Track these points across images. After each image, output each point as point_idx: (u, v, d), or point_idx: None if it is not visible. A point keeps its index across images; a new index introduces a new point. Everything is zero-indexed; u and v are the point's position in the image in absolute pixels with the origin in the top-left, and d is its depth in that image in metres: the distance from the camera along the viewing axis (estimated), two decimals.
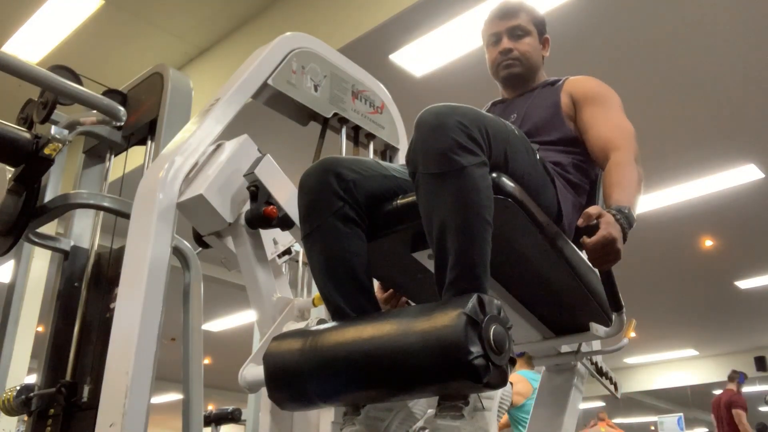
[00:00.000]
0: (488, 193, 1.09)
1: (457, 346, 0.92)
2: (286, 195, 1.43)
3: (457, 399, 1.01)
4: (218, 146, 1.48)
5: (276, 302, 1.39)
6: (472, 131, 1.09)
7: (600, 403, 14.09)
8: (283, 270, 1.56)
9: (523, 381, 3.60)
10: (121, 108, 2.08)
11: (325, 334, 1.09)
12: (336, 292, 1.19)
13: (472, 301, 0.96)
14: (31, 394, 1.96)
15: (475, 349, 0.92)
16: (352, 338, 1.05)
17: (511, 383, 3.45)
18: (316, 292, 1.29)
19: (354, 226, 1.22)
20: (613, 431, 6.46)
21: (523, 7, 1.67)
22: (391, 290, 1.53)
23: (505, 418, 3.70)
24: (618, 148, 1.40)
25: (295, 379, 1.08)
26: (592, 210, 1.14)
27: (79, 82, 2.08)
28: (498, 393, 1.02)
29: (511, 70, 1.65)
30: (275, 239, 1.54)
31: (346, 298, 1.18)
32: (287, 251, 1.56)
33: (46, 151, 1.90)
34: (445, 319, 0.95)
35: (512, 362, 0.99)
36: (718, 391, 13.45)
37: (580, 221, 1.15)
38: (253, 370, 1.23)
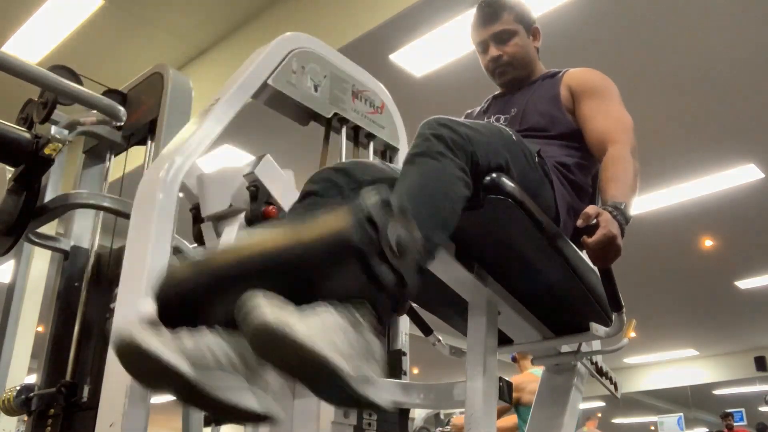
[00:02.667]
0: (455, 188, 1.04)
1: (347, 216, 0.82)
2: (286, 195, 1.43)
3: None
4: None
5: None
6: (464, 142, 1.08)
7: (600, 403, 14.12)
8: None
9: (536, 380, 3.58)
10: (121, 108, 2.07)
11: (217, 249, 0.99)
12: None
13: (391, 195, 0.87)
14: (31, 394, 1.96)
15: (368, 228, 0.81)
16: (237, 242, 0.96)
17: (509, 382, 3.44)
18: None
19: None
20: None
21: (505, 6, 1.64)
22: None
23: (513, 420, 3.68)
24: (615, 142, 1.40)
25: (182, 293, 0.92)
26: (591, 210, 1.14)
27: (79, 82, 2.08)
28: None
29: (506, 76, 1.65)
30: None
31: None
32: None
33: (46, 151, 1.90)
34: (337, 212, 0.84)
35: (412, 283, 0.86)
36: (718, 391, 13.52)
37: (579, 222, 1.15)
38: (142, 304, 1.00)
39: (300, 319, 0.78)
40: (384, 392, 0.86)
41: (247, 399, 0.88)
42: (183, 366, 0.83)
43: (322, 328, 0.79)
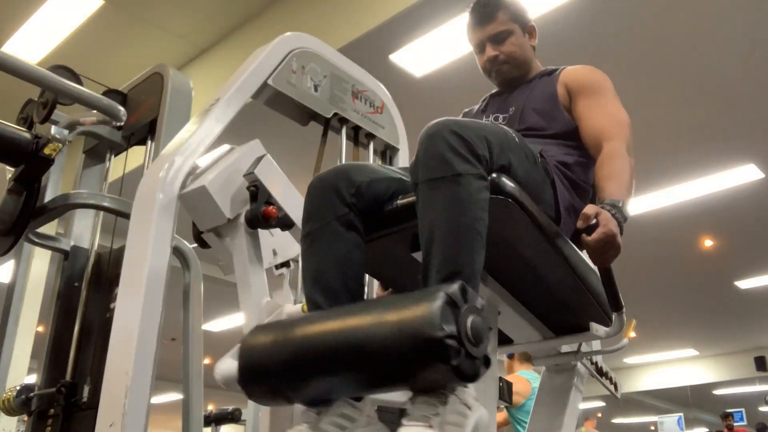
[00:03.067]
0: (482, 204, 1.08)
1: (430, 323, 0.87)
2: (286, 195, 1.43)
3: (433, 394, 0.94)
4: (231, 150, 1.49)
5: (265, 306, 1.37)
6: (473, 145, 1.09)
7: (600, 403, 14.12)
8: (284, 284, 1.55)
9: (523, 381, 3.60)
10: (121, 108, 2.08)
11: (298, 324, 1.05)
12: (322, 295, 1.15)
13: (456, 285, 0.93)
14: (31, 394, 1.96)
15: (449, 329, 0.87)
16: (323, 325, 1.01)
17: (509, 383, 3.45)
18: None
19: (356, 234, 1.21)
20: None
21: (499, 6, 1.64)
22: (390, 290, 1.53)
23: (504, 415, 3.70)
24: (610, 138, 1.40)
25: (266, 371, 1.03)
26: (589, 210, 1.15)
27: (79, 82, 2.08)
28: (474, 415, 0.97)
29: (504, 76, 1.66)
30: (275, 250, 1.53)
31: (331, 304, 1.15)
32: (286, 264, 1.55)
33: (46, 151, 1.91)
34: (423, 299, 0.91)
35: (486, 363, 0.95)
36: (718, 391, 13.52)
37: (579, 223, 1.15)
38: (229, 364, 1.17)
39: None
40: None
41: None
42: None
43: None
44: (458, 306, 0.90)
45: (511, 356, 3.84)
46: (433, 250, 1.04)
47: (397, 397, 1.37)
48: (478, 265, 1.05)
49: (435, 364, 0.88)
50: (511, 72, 1.65)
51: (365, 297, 1.25)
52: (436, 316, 0.87)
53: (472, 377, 0.90)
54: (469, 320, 0.91)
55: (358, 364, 0.94)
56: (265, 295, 1.40)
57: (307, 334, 1.01)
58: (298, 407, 1.07)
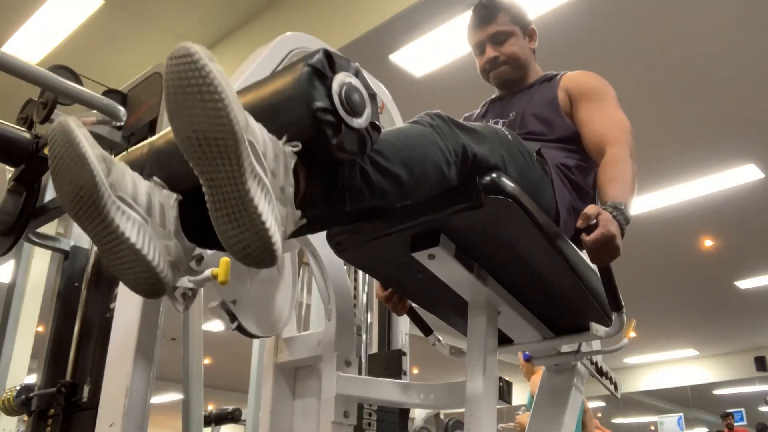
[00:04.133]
0: (437, 155, 1.04)
1: (299, 97, 0.81)
2: None
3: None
4: None
5: None
6: (458, 131, 1.10)
7: (600, 403, 14.11)
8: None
9: None
10: (121, 108, 2.07)
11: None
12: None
13: (318, 54, 0.86)
14: (31, 394, 1.96)
15: (320, 102, 0.81)
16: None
17: (509, 382, 3.44)
18: (315, 292, 1.28)
19: None
20: None
21: (500, 8, 1.65)
22: (390, 290, 1.53)
23: (526, 416, 3.69)
24: (613, 143, 1.40)
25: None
26: (590, 210, 1.15)
27: (79, 82, 2.08)
28: None
29: (502, 77, 1.66)
30: None
31: None
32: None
33: (46, 151, 1.90)
34: (285, 74, 0.85)
35: (375, 130, 0.89)
36: (718, 391, 13.52)
37: (579, 222, 1.15)
38: None
39: (229, 87, 0.79)
40: (275, 225, 0.83)
41: (143, 242, 0.86)
42: (96, 167, 0.84)
43: (247, 120, 0.79)
44: (325, 75, 0.84)
45: (528, 358, 3.82)
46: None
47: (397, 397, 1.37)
48: (407, 160, 1.01)
49: (296, 102, 0.82)
50: (509, 74, 1.65)
51: (364, 297, 1.25)
52: (303, 88, 0.81)
53: (359, 151, 0.85)
54: (342, 89, 0.84)
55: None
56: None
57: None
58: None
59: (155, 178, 0.93)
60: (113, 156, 0.92)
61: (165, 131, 1.00)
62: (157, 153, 0.98)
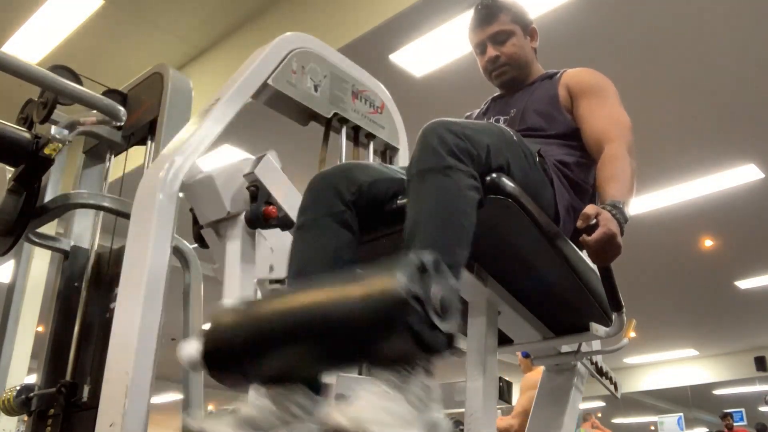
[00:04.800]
0: (471, 202, 1.06)
1: (394, 282, 0.83)
2: (287, 195, 1.43)
3: (394, 370, 0.89)
4: (246, 159, 1.50)
5: None
6: (467, 143, 1.09)
7: (600, 403, 14.11)
8: None
9: None
10: (121, 108, 2.07)
11: (264, 299, 1.00)
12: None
13: (429, 254, 0.88)
14: (31, 394, 1.96)
15: (414, 289, 0.83)
16: (289, 296, 0.96)
17: (509, 382, 3.44)
18: None
19: (348, 232, 1.19)
20: None
21: (501, 7, 1.65)
22: None
23: (501, 419, 3.69)
24: (612, 140, 1.40)
25: (227, 347, 0.97)
26: (590, 210, 1.15)
27: (79, 82, 2.08)
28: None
29: (503, 77, 1.66)
30: (272, 265, 1.53)
31: None
32: (281, 281, 1.54)
33: (46, 151, 1.90)
34: (393, 263, 0.86)
35: (450, 343, 0.90)
36: (718, 391, 13.51)
37: (579, 222, 1.15)
38: (193, 345, 1.04)
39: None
40: None
41: None
42: None
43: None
44: (427, 271, 0.87)
45: (527, 355, 3.81)
46: (414, 237, 1.02)
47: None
48: (460, 257, 1.03)
49: (394, 324, 0.83)
50: (511, 73, 1.65)
51: None
52: (402, 274, 0.83)
53: (431, 349, 0.85)
54: (438, 289, 0.87)
55: (318, 330, 0.89)
56: (249, 294, 1.40)
57: (270, 304, 0.97)
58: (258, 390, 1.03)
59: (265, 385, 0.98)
60: None
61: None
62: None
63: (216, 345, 0.97)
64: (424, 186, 1.07)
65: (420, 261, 0.87)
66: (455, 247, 1.02)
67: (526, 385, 3.69)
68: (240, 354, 0.95)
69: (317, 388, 1.01)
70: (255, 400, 0.97)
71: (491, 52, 1.64)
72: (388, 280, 0.84)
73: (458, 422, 4.40)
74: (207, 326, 1.01)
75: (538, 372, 3.59)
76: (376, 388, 0.87)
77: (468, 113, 1.79)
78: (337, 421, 0.81)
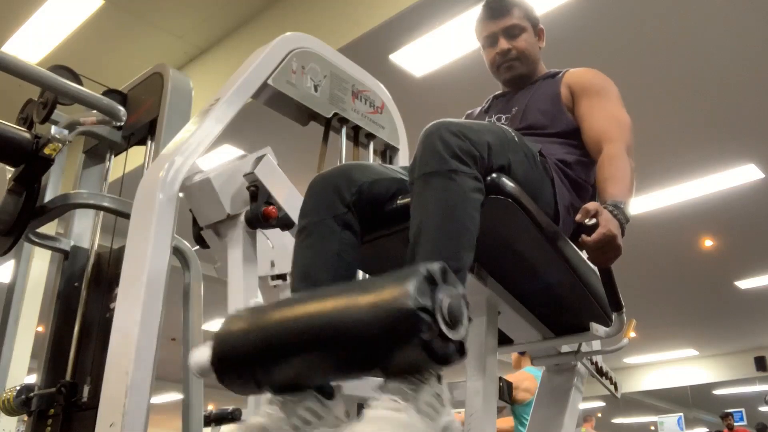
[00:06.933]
0: (475, 204, 1.07)
1: (404, 294, 0.84)
2: (287, 195, 1.43)
3: (405, 380, 0.90)
4: (243, 156, 1.50)
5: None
6: (470, 145, 1.09)
7: (600, 403, 14.11)
8: (278, 296, 1.54)
9: (530, 378, 3.57)
10: (121, 108, 2.08)
11: (272, 307, 1.00)
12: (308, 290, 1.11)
13: (437, 264, 0.90)
14: (31, 394, 1.96)
15: (423, 301, 0.84)
16: (298, 304, 0.97)
17: (509, 382, 3.43)
18: None
19: (351, 234, 1.19)
20: None
21: (514, 3, 1.66)
22: None
23: (510, 423, 3.68)
24: (611, 140, 1.40)
25: (237, 354, 0.98)
26: (590, 206, 1.14)
27: (79, 82, 2.08)
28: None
29: (513, 71, 1.66)
30: (273, 261, 1.53)
31: None
32: (282, 277, 1.54)
33: (46, 151, 1.90)
34: (401, 274, 0.88)
35: (461, 352, 0.90)
36: (718, 391, 13.51)
37: (578, 217, 1.15)
38: (203, 352, 1.05)
39: None
40: None
41: None
42: None
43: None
44: (436, 283, 0.87)
45: (522, 352, 3.81)
46: (420, 242, 1.03)
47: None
48: (465, 261, 1.04)
49: (405, 337, 0.84)
50: (519, 69, 1.65)
51: None
52: (411, 287, 0.84)
53: (442, 359, 0.86)
54: (447, 299, 0.87)
55: (329, 341, 0.90)
56: (254, 296, 1.40)
57: (280, 313, 0.97)
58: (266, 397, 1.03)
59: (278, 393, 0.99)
60: None
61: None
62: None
63: (226, 352, 0.99)
64: (428, 190, 1.07)
65: (428, 272, 0.87)
66: (461, 252, 1.03)
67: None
68: (250, 361, 0.97)
69: (329, 393, 1.02)
70: (266, 408, 0.98)
71: (503, 44, 1.64)
72: (399, 292, 0.85)
73: None
74: (217, 332, 1.02)
75: (522, 373, 3.61)
76: (388, 401, 0.87)
77: (469, 111, 1.79)
78: None
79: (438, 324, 0.85)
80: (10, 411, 1.99)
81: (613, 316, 1.33)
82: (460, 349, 0.88)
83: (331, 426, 0.99)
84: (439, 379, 0.92)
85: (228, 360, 0.98)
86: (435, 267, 0.89)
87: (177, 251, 2.16)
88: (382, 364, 0.90)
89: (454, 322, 0.87)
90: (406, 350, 0.85)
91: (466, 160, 1.08)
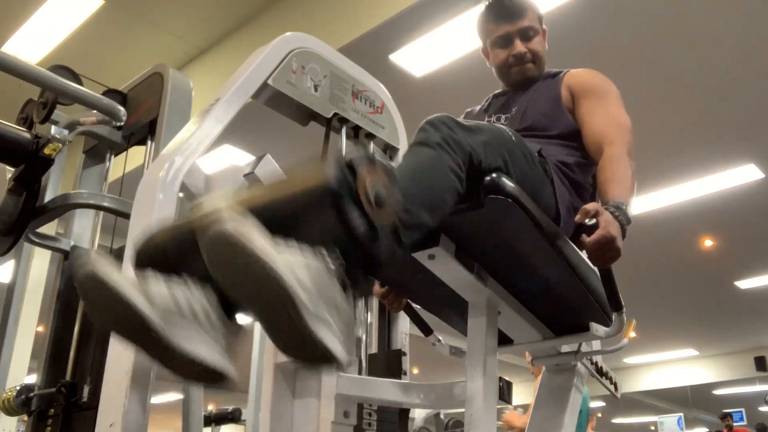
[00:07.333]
0: (449, 180, 1.05)
1: (322, 173, 0.80)
2: None
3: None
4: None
5: None
6: (461, 138, 1.10)
7: (600, 403, 14.11)
8: None
9: None
10: (121, 108, 2.08)
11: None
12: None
13: (358, 151, 0.86)
14: (31, 394, 1.96)
15: (344, 178, 0.80)
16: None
17: (509, 382, 3.43)
18: None
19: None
20: None
21: (527, 4, 1.65)
22: (386, 287, 1.52)
23: (513, 414, 3.68)
24: (612, 142, 1.40)
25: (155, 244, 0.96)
26: (590, 206, 1.14)
27: (79, 82, 2.08)
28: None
29: (523, 74, 1.64)
30: None
31: None
32: None
33: (46, 151, 1.90)
34: (319, 161, 0.84)
35: (399, 243, 0.86)
36: (718, 391, 13.51)
37: (577, 217, 1.15)
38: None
39: (261, 236, 0.76)
40: (340, 346, 0.82)
41: (202, 350, 0.86)
42: (140, 302, 0.82)
43: (285, 257, 0.77)
44: (355, 166, 0.83)
45: None
46: None
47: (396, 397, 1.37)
48: (421, 219, 0.99)
49: (322, 194, 0.80)
50: (531, 72, 1.64)
51: (364, 301, 1.24)
52: (329, 168, 0.80)
53: (355, 236, 0.81)
54: (371, 180, 0.83)
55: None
56: None
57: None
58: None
59: (186, 277, 0.91)
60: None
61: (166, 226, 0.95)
62: (176, 245, 0.94)
63: (149, 242, 0.96)
64: (409, 154, 1.10)
65: (372, 155, 0.86)
66: (420, 203, 0.99)
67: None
68: (172, 244, 0.93)
69: (230, 316, 0.93)
70: (171, 286, 0.90)
71: (520, 47, 1.62)
72: (315, 171, 0.82)
73: (458, 422, 4.40)
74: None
75: None
76: (298, 251, 0.80)
77: (468, 109, 1.79)
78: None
79: (357, 189, 0.81)
80: (10, 411, 1.99)
81: (613, 316, 1.33)
82: (374, 233, 0.82)
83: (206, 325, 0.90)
84: (345, 270, 0.84)
85: (150, 246, 0.96)
86: (356, 152, 0.85)
87: None
88: (296, 225, 0.85)
89: (377, 203, 0.83)
90: (318, 208, 0.81)
91: (453, 147, 1.08)
